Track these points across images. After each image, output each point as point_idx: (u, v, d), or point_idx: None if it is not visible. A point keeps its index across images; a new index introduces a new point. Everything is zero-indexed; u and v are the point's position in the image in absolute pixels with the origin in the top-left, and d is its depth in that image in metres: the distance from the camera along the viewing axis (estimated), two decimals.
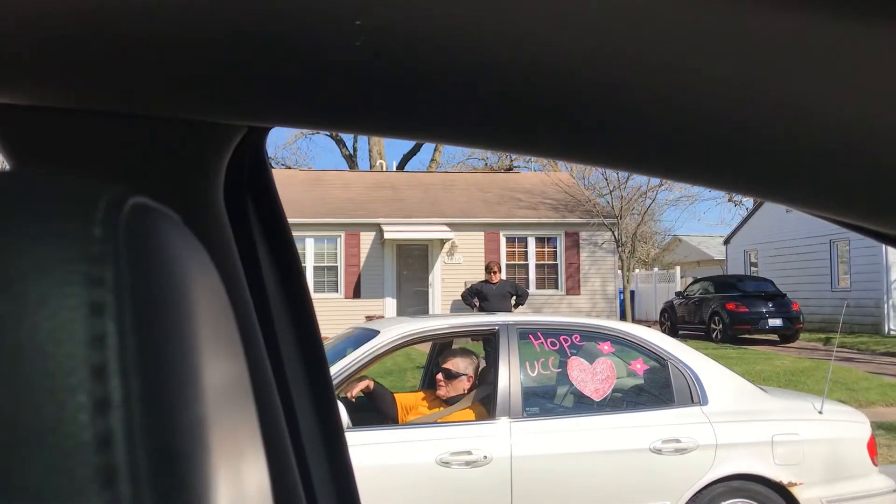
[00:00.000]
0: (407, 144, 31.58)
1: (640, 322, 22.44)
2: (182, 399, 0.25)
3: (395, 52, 0.49)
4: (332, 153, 57.67)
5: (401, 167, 30.98)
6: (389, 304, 18.93)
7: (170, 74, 0.54)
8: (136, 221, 0.25)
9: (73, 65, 0.53)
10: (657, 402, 4.38)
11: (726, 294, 18.29)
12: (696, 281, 21.35)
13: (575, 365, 4.35)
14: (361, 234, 19.12)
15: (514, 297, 11.41)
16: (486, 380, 4.30)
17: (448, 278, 19.23)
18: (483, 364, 4.43)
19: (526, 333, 4.36)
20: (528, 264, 19.89)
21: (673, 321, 20.30)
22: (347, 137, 35.97)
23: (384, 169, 27.61)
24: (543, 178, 22.62)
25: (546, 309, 19.21)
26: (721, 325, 17.83)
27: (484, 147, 0.68)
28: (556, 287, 19.96)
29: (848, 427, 4.40)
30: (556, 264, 20.00)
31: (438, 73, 0.52)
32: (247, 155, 0.75)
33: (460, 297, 12.11)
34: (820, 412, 4.33)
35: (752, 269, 24.40)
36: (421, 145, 33.58)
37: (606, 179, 20.68)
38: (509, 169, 29.31)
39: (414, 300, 19.06)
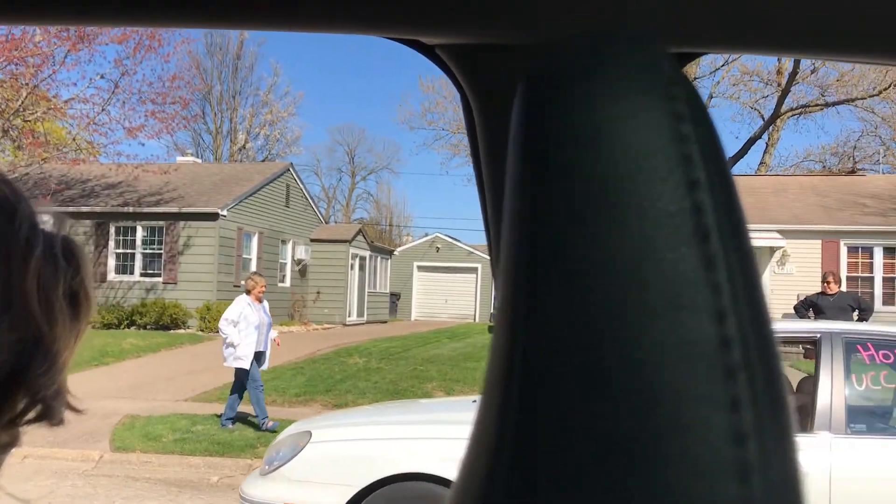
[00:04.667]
0: (732, 147, 29.93)
1: None
2: (739, 198, 0.30)
3: None
4: None
5: None
6: None
7: None
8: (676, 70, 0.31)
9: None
10: None
11: None
12: None
13: None
14: None
15: (857, 312, 10.32)
16: (803, 389, 4.00)
17: (778, 289, 17.91)
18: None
19: (854, 344, 3.98)
20: (873, 277, 17.88)
21: None
22: None
23: None
24: (895, 180, 20.15)
25: None
26: None
27: None
28: None
29: None
30: None
31: None
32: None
33: (792, 310, 11.22)
34: None
35: None
36: (748, 148, 31.65)
37: None
38: (852, 171, 26.55)
39: None
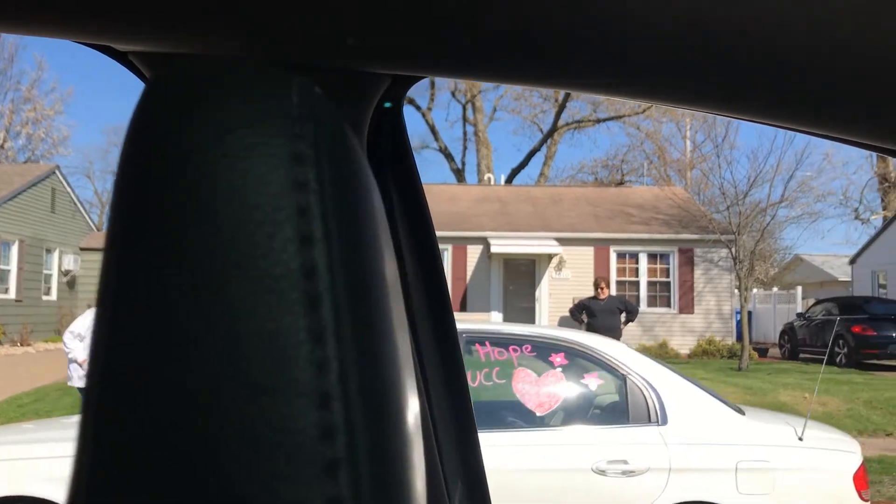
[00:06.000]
0: (515, 159, 31.35)
1: (758, 344, 21.51)
2: (375, 254, 0.26)
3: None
4: (440, 167, 58.20)
5: (509, 181, 30.85)
6: (496, 319, 18.80)
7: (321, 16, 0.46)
8: (324, 98, 0.27)
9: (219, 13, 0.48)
10: (608, 419, 4.12)
11: (852, 316, 17.26)
12: (818, 302, 20.33)
13: (520, 377, 4.16)
14: (468, 247, 19.08)
15: (624, 314, 11.07)
16: None
17: (556, 294, 18.93)
18: None
19: (473, 342, 4.21)
20: (639, 281, 19.36)
21: (793, 344, 19.42)
22: (456, 152, 36.06)
23: (492, 183, 27.56)
24: (657, 192, 22.01)
25: (658, 328, 18.63)
26: (846, 349, 16.86)
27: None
28: (669, 305, 19.35)
29: (831, 456, 3.95)
30: (669, 282, 19.39)
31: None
32: (386, 114, 0.65)
33: (568, 313, 11.85)
34: (800, 438, 3.92)
35: (881, 291, 22.97)
36: (529, 160, 33.30)
37: (724, 194, 19.91)
38: (620, 183, 28.72)
39: (520, 315, 18.85)
